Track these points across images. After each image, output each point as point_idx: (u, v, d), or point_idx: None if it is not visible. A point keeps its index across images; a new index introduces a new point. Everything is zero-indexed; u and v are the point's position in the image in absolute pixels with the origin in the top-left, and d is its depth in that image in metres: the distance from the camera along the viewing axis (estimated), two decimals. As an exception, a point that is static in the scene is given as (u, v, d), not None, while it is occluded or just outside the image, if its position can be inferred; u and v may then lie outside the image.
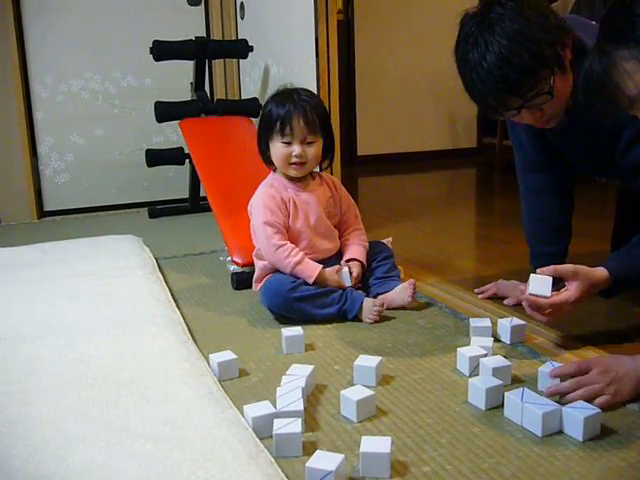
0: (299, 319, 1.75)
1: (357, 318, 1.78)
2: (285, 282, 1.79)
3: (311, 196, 1.91)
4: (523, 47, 1.38)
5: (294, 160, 1.84)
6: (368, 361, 1.42)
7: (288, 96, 1.84)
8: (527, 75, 1.40)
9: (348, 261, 1.89)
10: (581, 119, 1.56)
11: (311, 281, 1.79)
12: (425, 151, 5.15)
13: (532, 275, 1.50)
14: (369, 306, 1.77)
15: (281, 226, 1.85)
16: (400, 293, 1.83)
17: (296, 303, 1.76)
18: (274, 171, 1.94)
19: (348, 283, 1.82)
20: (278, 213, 1.85)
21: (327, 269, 1.82)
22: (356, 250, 1.93)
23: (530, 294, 1.49)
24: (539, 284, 1.48)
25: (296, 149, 1.82)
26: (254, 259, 1.95)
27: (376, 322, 1.75)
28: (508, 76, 1.40)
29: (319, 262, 1.84)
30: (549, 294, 1.47)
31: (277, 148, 1.84)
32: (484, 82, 1.43)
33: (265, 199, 1.87)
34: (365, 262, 1.91)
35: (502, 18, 1.39)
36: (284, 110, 1.81)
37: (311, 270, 1.80)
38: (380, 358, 1.44)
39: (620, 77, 1.09)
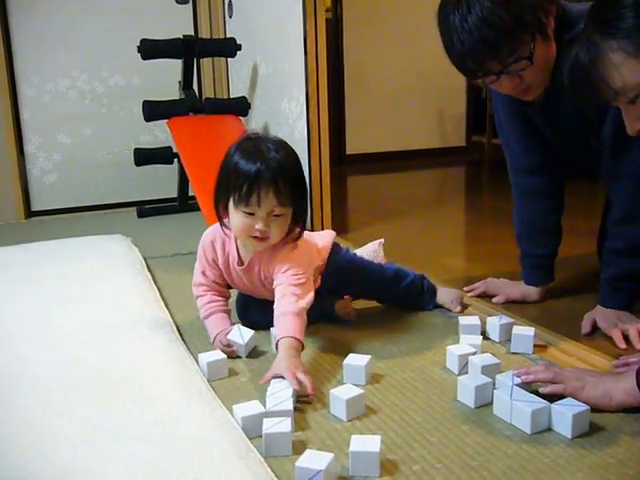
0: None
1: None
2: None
3: (243, 271, 1.65)
4: (504, 9, 1.38)
5: (256, 234, 1.52)
6: (358, 360, 1.42)
7: (258, 152, 1.50)
8: (507, 37, 1.40)
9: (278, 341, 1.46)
10: (561, 96, 1.56)
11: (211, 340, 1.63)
12: (414, 150, 5.15)
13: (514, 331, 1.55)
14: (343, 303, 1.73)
15: (210, 280, 1.67)
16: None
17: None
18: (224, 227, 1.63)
19: (241, 343, 1.57)
20: (213, 270, 1.67)
21: (218, 337, 1.61)
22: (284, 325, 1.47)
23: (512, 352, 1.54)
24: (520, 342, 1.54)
25: (259, 224, 1.50)
26: None
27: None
28: (487, 37, 1.40)
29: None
30: (532, 332, 1.54)
31: (238, 217, 1.52)
32: (464, 43, 1.42)
33: (207, 251, 1.67)
34: (299, 337, 1.44)
35: None
36: (252, 172, 1.47)
37: (212, 329, 1.64)
38: (370, 357, 1.44)
39: (606, 68, 1.09)
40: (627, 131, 1.18)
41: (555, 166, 1.83)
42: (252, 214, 1.50)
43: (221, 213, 1.58)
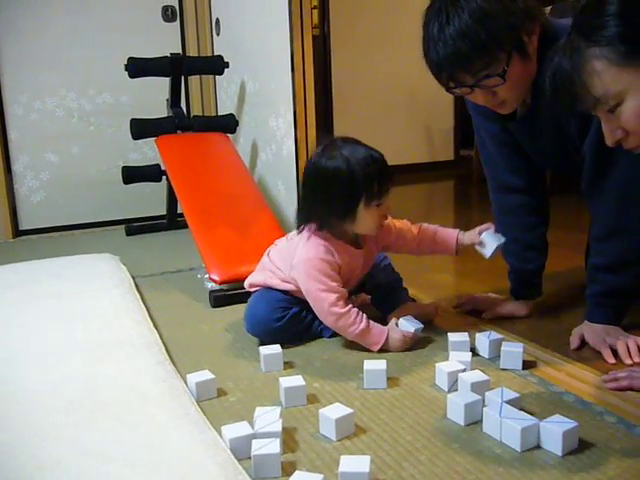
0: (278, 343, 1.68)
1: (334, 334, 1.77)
2: (273, 317, 1.72)
3: (360, 256, 1.76)
4: (482, 25, 1.39)
5: (383, 220, 1.70)
6: (376, 364, 1.46)
7: (350, 145, 1.65)
8: (480, 53, 1.41)
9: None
10: (542, 110, 1.56)
11: (375, 349, 1.65)
12: (403, 164, 5.16)
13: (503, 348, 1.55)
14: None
15: (341, 290, 1.67)
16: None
17: (282, 336, 1.71)
18: (316, 232, 1.70)
19: (417, 327, 1.68)
20: (335, 276, 1.67)
21: (390, 331, 1.67)
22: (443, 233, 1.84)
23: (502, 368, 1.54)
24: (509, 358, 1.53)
25: (385, 208, 1.66)
26: (265, 265, 1.83)
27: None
28: (461, 50, 1.40)
29: None
30: (521, 348, 1.54)
31: (371, 214, 1.64)
32: (439, 53, 1.43)
33: (321, 267, 1.66)
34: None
35: None
36: (373, 164, 1.61)
37: (378, 336, 1.65)
38: (385, 360, 1.48)
39: (588, 75, 1.10)
40: (606, 141, 1.18)
41: (539, 184, 1.83)
42: (380, 204, 1.64)
43: (330, 227, 1.67)
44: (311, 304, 1.70)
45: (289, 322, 1.73)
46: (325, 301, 1.64)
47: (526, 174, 1.80)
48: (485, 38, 1.39)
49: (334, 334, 1.74)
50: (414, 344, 1.67)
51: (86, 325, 1.89)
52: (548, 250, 1.85)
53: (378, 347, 1.65)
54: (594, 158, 1.52)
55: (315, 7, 2.71)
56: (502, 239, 1.71)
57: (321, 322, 1.73)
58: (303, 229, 1.72)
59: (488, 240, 1.72)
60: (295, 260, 1.70)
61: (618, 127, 1.14)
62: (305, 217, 1.71)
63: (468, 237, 1.79)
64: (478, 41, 1.39)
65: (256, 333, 1.76)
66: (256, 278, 1.84)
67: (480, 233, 1.75)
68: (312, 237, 1.70)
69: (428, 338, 1.73)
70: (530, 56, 1.47)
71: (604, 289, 1.61)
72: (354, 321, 1.64)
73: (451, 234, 1.84)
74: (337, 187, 1.61)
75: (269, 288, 1.78)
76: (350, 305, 1.67)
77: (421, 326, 1.69)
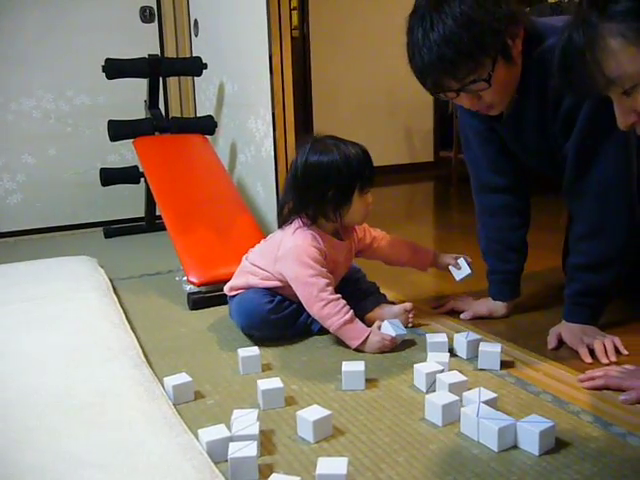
0: (272, 337, 1.75)
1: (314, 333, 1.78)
2: (262, 301, 1.74)
3: (343, 249, 1.81)
4: (466, 30, 1.38)
5: (369, 208, 1.77)
6: (354, 366, 1.46)
7: (339, 143, 1.71)
8: (465, 58, 1.40)
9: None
10: (528, 109, 1.56)
11: (354, 345, 1.67)
12: (383, 165, 5.15)
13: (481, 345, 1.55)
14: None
15: (329, 277, 1.72)
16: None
17: (275, 323, 1.74)
18: (305, 224, 1.75)
19: (399, 332, 1.67)
20: (323, 262, 1.72)
21: (371, 333, 1.67)
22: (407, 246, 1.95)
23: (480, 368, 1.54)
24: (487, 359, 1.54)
25: (369, 196, 1.75)
26: (245, 268, 1.85)
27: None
28: (446, 56, 1.40)
29: None
30: (499, 349, 1.54)
31: (361, 202, 1.73)
32: (423, 59, 1.43)
33: (310, 252, 1.70)
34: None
35: None
36: (362, 153, 1.71)
37: (359, 332, 1.67)
38: (363, 362, 1.48)
39: (602, 54, 1.00)
40: (618, 124, 1.09)
41: (523, 184, 1.84)
42: (369, 192, 1.73)
43: (335, 213, 1.71)
44: (298, 293, 1.71)
45: (278, 306, 1.74)
46: (314, 286, 1.67)
47: (510, 174, 1.81)
48: (470, 44, 1.39)
49: (322, 328, 1.74)
50: (392, 348, 1.67)
51: (62, 328, 1.87)
52: (527, 252, 1.86)
53: (357, 343, 1.66)
54: (576, 157, 1.53)
55: (295, 8, 2.72)
56: (473, 272, 1.87)
57: (309, 315, 1.74)
58: (286, 224, 1.77)
59: (463, 265, 1.88)
60: (281, 251, 1.73)
61: (632, 110, 1.06)
62: (296, 212, 1.75)
63: (447, 258, 1.92)
64: (463, 47, 1.39)
65: (249, 323, 1.76)
66: (236, 282, 1.85)
67: (456, 259, 1.89)
68: (299, 229, 1.74)
69: (407, 339, 1.72)
70: (515, 59, 1.48)
71: (583, 288, 1.62)
72: (340, 310, 1.67)
73: (428, 250, 1.96)
74: (335, 178, 1.68)
75: (251, 288, 1.80)
76: (339, 295, 1.69)
77: (404, 332, 1.68)
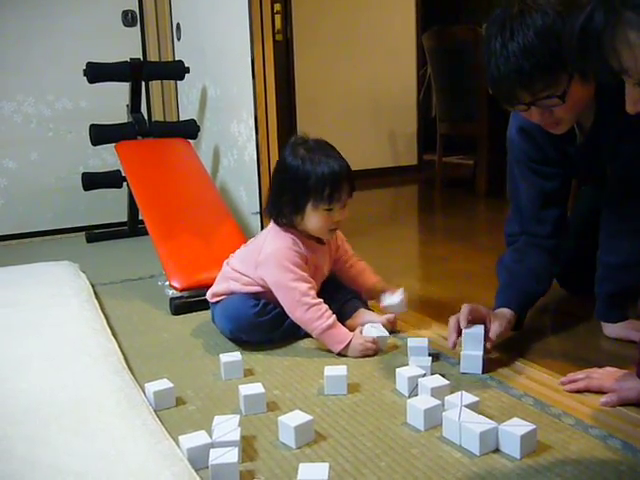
0: (260, 340, 1.75)
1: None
2: (248, 305, 1.74)
3: (324, 254, 1.82)
4: (546, 43, 1.34)
5: (333, 227, 1.74)
6: (336, 370, 1.46)
7: (321, 149, 1.72)
8: (542, 72, 1.37)
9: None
10: (606, 130, 1.56)
11: (337, 349, 1.66)
12: (366, 169, 5.17)
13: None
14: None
15: (310, 279, 1.73)
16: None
17: (263, 325, 1.74)
18: (284, 228, 1.76)
19: (380, 335, 1.68)
20: (304, 266, 1.73)
21: (354, 337, 1.67)
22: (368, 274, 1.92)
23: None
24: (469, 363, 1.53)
25: (337, 215, 1.71)
26: (226, 274, 1.84)
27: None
28: (523, 68, 1.36)
29: None
30: (481, 352, 1.53)
31: (318, 216, 1.70)
32: (500, 69, 1.39)
33: (291, 256, 1.71)
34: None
35: (535, 9, 1.35)
36: (329, 171, 1.67)
37: (343, 336, 1.66)
38: (346, 366, 1.48)
39: (619, 42, 0.98)
40: (626, 108, 1.08)
41: (564, 230, 1.76)
42: (331, 210, 1.69)
43: (291, 217, 1.72)
44: (280, 298, 1.71)
45: (263, 309, 1.74)
46: (296, 290, 1.68)
47: (553, 224, 1.73)
48: (549, 57, 1.35)
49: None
50: (375, 352, 1.67)
51: (43, 334, 1.85)
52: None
53: (341, 347, 1.65)
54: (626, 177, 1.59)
55: (278, 12, 2.71)
56: (405, 307, 1.84)
57: None
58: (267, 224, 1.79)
59: (398, 296, 1.83)
60: (262, 256, 1.73)
61: None
62: (269, 209, 1.78)
63: (386, 286, 1.89)
64: (542, 60, 1.35)
65: (237, 327, 1.75)
66: (218, 288, 1.84)
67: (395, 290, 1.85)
68: (278, 232, 1.75)
69: (389, 343, 1.72)
70: (590, 79, 1.43)
71: (618, 289, 1.66)
72: (322, 315, 1.67)
73: (371, 278, 1.92)
74: (291, 182, 1.70)
75: (233, 294, 1.79)
76: (321, 299, 1.69)
77: (386, 335, 1.69)
